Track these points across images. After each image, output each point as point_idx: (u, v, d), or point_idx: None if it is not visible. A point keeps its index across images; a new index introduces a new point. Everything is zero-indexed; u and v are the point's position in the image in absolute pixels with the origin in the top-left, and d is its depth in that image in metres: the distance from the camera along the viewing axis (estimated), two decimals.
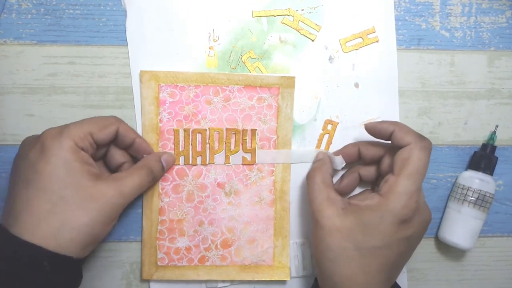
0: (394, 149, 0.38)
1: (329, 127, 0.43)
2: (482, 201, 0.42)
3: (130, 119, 0.42)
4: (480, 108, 0.45)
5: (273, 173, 0.43)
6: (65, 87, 0.42)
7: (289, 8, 0.43)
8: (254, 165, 0.43)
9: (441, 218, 0.44)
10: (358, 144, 0.42)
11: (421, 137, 0.37)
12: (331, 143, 0.43)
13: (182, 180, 0.42)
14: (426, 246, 0.45)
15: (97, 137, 0.36)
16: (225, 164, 0.42)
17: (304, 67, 0.43)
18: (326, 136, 0.43)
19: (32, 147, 0.34)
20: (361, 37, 0.43)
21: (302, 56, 0.43)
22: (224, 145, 0.42)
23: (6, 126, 0.42)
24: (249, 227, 0.43)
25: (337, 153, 0.42)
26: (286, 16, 0.43)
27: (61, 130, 0.35)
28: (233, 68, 0.43)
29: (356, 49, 0.43)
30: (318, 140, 0.43)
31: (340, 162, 0.41)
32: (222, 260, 0.43)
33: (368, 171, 0.42)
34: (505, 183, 0.45)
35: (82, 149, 0.35)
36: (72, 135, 0.34)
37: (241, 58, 0.43)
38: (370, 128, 0.39)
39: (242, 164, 0.42)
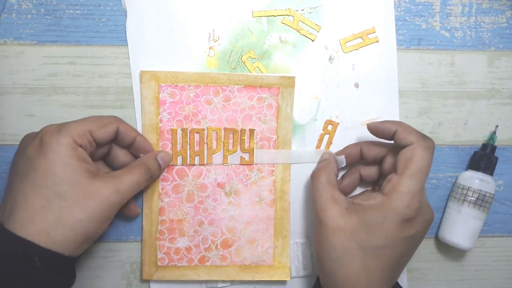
0: (396, 148, 0.38)
1: (330, 127, 0.43)
2: (482, 201, 0.42)
3: (130, 119, 0.42)
4: (480, 108, 0.45)
5: (273, 173, 0.43)
6: (65, 87, 0.42)
7: (289, 8, 0.43)
8: (254, 165, 0.43)
9: (441, 218, 0.44)
10: (360, 144, 0.42)
11: (424, 137, 0.37)
12: (331, 143, 0.43)
13: (182, 180, 0.42)
14: (426, 246, 0.45)
15: (96, 135, 0.36)
16: (223, 164, 0.42)
17: (304, 67, 0.43)
18: (327, 136, 0.43)
19: (31, 143, 0.34)
20: (361, 37, 0.43)
21: (302, 56, 0.43)
22: (222, 144, 0.42)
23: (6, 126, 0.42)
24: (249, 227, 0.43)
25: (339, 153, 0.42)
26: (286, 16, 0.43)
27: (60, 126, 0.35)
28: (233, 68, 0.43)
29: (356, 49, 0.43)
30: (318, 140, 0.43)
31: (341, 161, 0.41)
32: (222, 260, 0.42)
33: (369, 171, 0.42)
34: (505, 183, 0.45)
35: (81, 146, 0.35)
36: (71, 132, 0.34)
37: (241, 58, 0.43)
38: (373, 128, 0.39)
39: (240, 164, 0.42)
